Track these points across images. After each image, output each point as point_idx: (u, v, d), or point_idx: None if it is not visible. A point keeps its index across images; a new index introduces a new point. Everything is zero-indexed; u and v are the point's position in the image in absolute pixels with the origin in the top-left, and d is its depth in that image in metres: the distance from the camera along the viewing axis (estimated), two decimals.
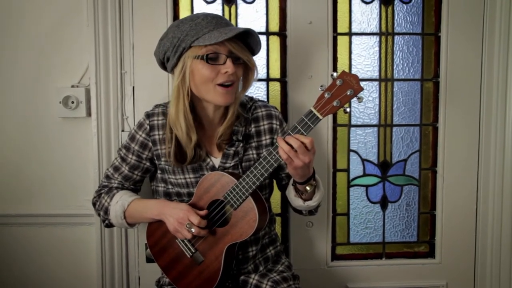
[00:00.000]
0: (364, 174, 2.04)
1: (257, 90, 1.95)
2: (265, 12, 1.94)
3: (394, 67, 1.99)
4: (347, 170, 2.03)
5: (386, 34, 1.98)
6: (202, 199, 1.48)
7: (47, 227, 1.95)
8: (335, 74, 1.29)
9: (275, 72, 1.96)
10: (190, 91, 1.46)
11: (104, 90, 1.86)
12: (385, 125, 2.02)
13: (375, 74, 1.99)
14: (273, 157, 1.36)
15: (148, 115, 1.58)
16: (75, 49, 1.88)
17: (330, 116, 1.95)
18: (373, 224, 2.06)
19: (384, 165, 2.04)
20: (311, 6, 1.89)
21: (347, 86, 1.28)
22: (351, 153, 2.02)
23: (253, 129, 1.59)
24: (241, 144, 1.55)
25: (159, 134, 1.56)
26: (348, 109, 1.30)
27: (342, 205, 2.04)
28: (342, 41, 1.97)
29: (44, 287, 1.98)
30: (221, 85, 1.43)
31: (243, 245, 1.56)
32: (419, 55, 2.00)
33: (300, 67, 1.91)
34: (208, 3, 1.93)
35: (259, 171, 1.38)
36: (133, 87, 1.88)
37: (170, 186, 1.58)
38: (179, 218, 1.43)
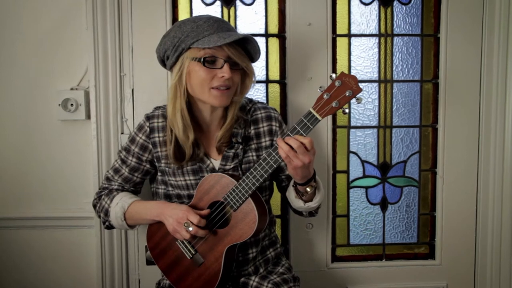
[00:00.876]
0: (364, 176, 2.04)
1: (256, 92, 1.95)
2: (264, 14, 1.94)
3: (394, 68, 1.99)
4: (347, 172, 2.03)
5: (385, 35, 1.98)
6: (202, 201, 1.48)
7: (47, 230, 1.95)
8: (334, 75, 1.30)
9: (275, 74, 1.96)
10: (187, 92, 1.47)
11: (103, 93, 1.86)
12: (384, 127, 2.02)
13: (375, 76, 1.99)
14: (273, 158, 1.36)
15: (148, 117, 1.58)
16: (74, 52, 1.88)
17: (330, 118, 1.96)
18: (373, 226, 2.06)
19: (384, 167, 2.04)
20: (310, 8, 1.90)
21: (346, 87, 1.28)
22: (351, 155, 2.02)
23: (252, 131, 1.59)
24: (240, 146, 1.55)
25: (159, 136, 1.56)
26: (347, 110, 1.31)
27: (342, 207, 2.04)
28: (341, 42, 1.97)
29: None
30: (215, 88, 1.43)
31: (243, 247, 1.55)
32: (418, 56, 2.00)
33: (299, 68, 1.91)
34: (207, 5, 1.93)
35: (258, 172, 1.38)
36: (132, 90, 1.88)
37: (170, 188, 1.58)
38: (178, 218, 1.43)
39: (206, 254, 1.49)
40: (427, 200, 2.07)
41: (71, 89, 1.89)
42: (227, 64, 1.41)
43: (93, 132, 1.87)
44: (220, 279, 1.47)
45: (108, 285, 1.94)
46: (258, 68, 1.94)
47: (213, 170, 1.54)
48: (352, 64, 1.98)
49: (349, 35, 1.97)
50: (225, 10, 1.93)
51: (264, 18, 1.94)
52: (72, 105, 1.87)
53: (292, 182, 1.51)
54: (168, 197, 1.60)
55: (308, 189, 1.45)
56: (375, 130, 2.02)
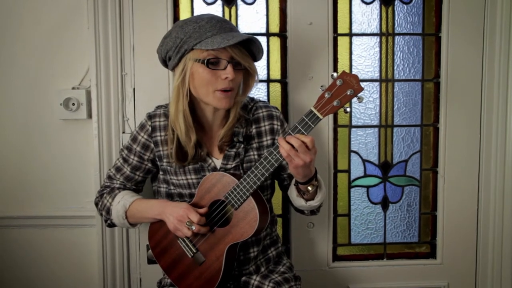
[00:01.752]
0: (365, 175, 2.04)
1: (257, 91, 1.95)
2: (265, 13, 1.94)
3: (395, 67, 1.99)
4: (348, 171, 2.03)
5: (386, 34, 1.98)
6: (203, 199, 1.48)
7: (48, 229, 1.95)
8: (335, 74, 1.30)
9: (276, 73, 1.96)
10: (190, 92, 1.47)
11: (104, 92, 1.86)
12: (385, 126, 2.02)
13: (376, 75, 1.99)
14: (274, 157, 1.36)
15: (150, 116, 1.59)
16: (75, 51, 1.88)
17: (331, 117, 1.96)
18: (374, 225, 2.06)
19: (385, 166, 2.04)
20: (311, 7, 1.90)
21: (347, 86, 1.28)
22: (352, 154, 2.02)
23: (254, 130, 1.59)
24: (242, 145, 1.55)
25: (161, 136, 1.56)
26: (348, 109, 1.31)
27: (343, 206, 2.04)
28: (342, 41, 1.97)
29: None
30: (219, 90, 1.43)
31: (245, 246, 1.56)
32: (419, 56, 2.00)
33: (300, 68, 1.92)
34: (208, 4, 1.93)
35: (259, 171, 1.38)
36: (134, 89, 1.88)
37: (172, 187, 1.58)
38: (179, 216, 1.44)
39: (207, 252, 1.49)
40: (428, 199, 2.06)
41: (73, 88, 1.89)
42: (230, 65, 1.41)
43: (94, 131, 1.87)
44: (221, 278, 1.47)
45: (109, 284, 1.94)
46: (259, 67, 1.94)
47: (214, 169, 1.54)
48: (353, 63, 1.98)
49: (350, 34, 1.97)
50: (226, 9, 1.94)
51: (265, 17, 1.94)
52: (73, 104, 1.87)
53: (293, 181, 1.51)
54: (169, 196, 1.60)
55: (309, 188, 1.45)
56: (376, 129, 2.02)
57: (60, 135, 1.92)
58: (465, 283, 2.07)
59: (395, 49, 1.99)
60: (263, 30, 1.94)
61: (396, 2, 1.97)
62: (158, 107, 1.62)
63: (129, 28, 1.86)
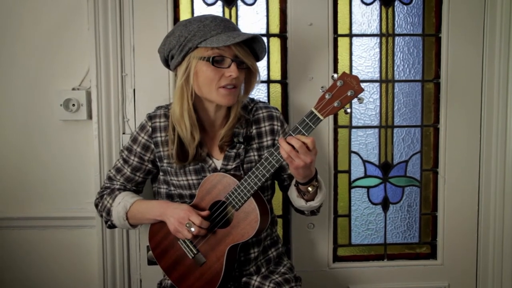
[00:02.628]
0: (366, 176, 2.04)
1: (258, 92, 1.95)
2: (265, 14, 1.94)
3: (395, 68, 2.00)
4: (348, 172, 2.03)
5: (386, 35, 1.98)
6: (203, 200, 1.48)
7: (48, 230, 1.95)
8: (335, 75, 1.30)
9: (276, 74, 1.96)
10: (193, 91, 1.47)
11: (105, 93, 1.86)
12: (386, 126, 2.02)
13: (376, 75, 1.99)
14: (275, 157, 1.36)
15: (150, 117, 1.58)
16: (75, 52, 1.88)
17: (331, 118, 1.96)
18: (374, 226, 2.06)
19: (385, 166, 2.04)
20: (311, 8, 1.90)
21: (348, 87, 1.28)
22: (352, 155, 2.02)
23: (254, 131, 1.59)
24: (242, 146, 1.55)
25: (161, 136, 1.56)
26: (349, 110, 1.31)
27: (343, 207, 2.04)
28: (342, 42, 1.97)
29: None
30: (223, 87, 1.43)
31: (245, 246, 1.55)
32: (419, 56, 2.00)
33: (300, 68, 1.92)
34: (209, 5, 1.93)
35: (260, 172, 1.38)
36: (134, 90, 1.88)
37: (172, 188, 1.58)
38: (180, 218, 1.43)
39: (207, 253, 1.48)
40: (429, 200, 2.06)
41: (73, 89, 1.89)
42: (234, 63, 1.42)
43: (94, 132, 1.87)
44: (221, 279, 1.47)
45: (109, 285, 1.94)
46: (260, 68, 1.90)
47: (215, 170, 1.54)
48: (354, 64, 1.98)
49: (350, 35, 1.97)
50: (227, 10, 1.94)
51: (265, 18, 1.94)
52: (73, 105, 1.87)
53: (294, 181, 1.51)
54: (170, 197, 1.60)
55: (309, 188, 1.45)
56: (377, 130, 2.02)
57: (60, 136, 1.91)
58: (465, 284, 2.07)
59: (395, 49, 1.99)
60: (263, 31, 1.94)
61: (396, 3, 1.97)
62: (158, 108, 1.61)
63: (130, 29, 1.86)
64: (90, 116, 1.89)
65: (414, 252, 2.09)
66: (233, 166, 1.54)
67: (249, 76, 1.52)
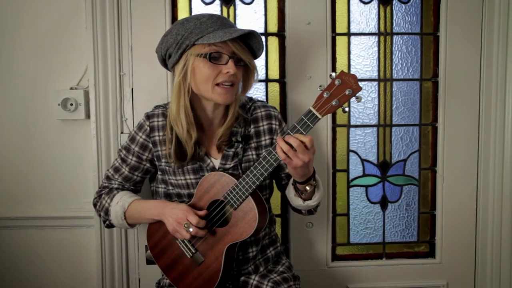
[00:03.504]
0: (364, 174, 2.04)
1: (256, 91, 1.95)
2: (263, 13, 1.94)
3: (393, 67, 1.99)
4: (346, 171, 2.03)
5: (384, 34, 1.98)
6: (202, 200, 1.48)
7: (46, 230, 1.95)
8: (333, 74, 1.30)
9: (274, 73, 1.96)
10: (190, 90, 1.47)
11: (103, 92, 1.86)
12: (384, 125, 2.02)
13: (374, 74, 1.99)
14: (273, 156, 1.36)
15: (148, 116, 1.58)
16: (73, 51, 1.88)
17: (330, 117, 1.96)
18: (373, 224, 2.06)
19: (384, 165, 2.04)
20: (309, 7, 1.90)
21: (346, 85, 1.28)
22: (351, 154, 2.02)
23: (252, 130, 1.59)
24: (240, 145, 1.55)
25: (159, 136, 1.56)
26: (347, 109, 1.31)
27: (342, 206, 2.04)
28: (340, 41, 1.97)
29: None
30: (221, 84, 1.43)
31: (243, 245, 1.55)
32: (418, 55, 2.00)
33: (299, 67, 1.91)
34: (207, 4, 1.93)
35: (258, 171, 1.38)
36: (132, 89, 1.88)
37: (170, 187, 1.58)
38: (178, 218, 1.43)
39: (206, 253, 1.48)
40: (427, 199, 2.07)
41: (71, 88, 1.88)
42: (231, 60, 1.41)
43: (92, 131, 1.86)
44: (220, 278, 1.47)
45: (108, 284, 1.94)
46: (258, 67, 1.90)
47: (213, 169, 1.53)
48: (352, 63, 1.98)
49: (348, 34, 1.97)
50: (225, 9, 1.93)
51: (263, 17, 1.94)
52: (71, 104, 1.87)
53: (291, 181, 1.51)
54: (168, 196, 1.60)
55: (307, 187, 1.45)
56: (375, 128, 2.02)
57: (58, 135, 1.91)
58: (464, 282, 2.08)
59: (393, 48, 1.99)
60: (262, 30, 1.94)
61: (394, 2, 1.97)
62: (156, 107, 1.61)
63: (127, 28, 1.86)
64: (88, 116, 1.89)
65: (413, 251, 2.09)
66: (231, 165, 1.54)
67: (247, 74, 1.52)
